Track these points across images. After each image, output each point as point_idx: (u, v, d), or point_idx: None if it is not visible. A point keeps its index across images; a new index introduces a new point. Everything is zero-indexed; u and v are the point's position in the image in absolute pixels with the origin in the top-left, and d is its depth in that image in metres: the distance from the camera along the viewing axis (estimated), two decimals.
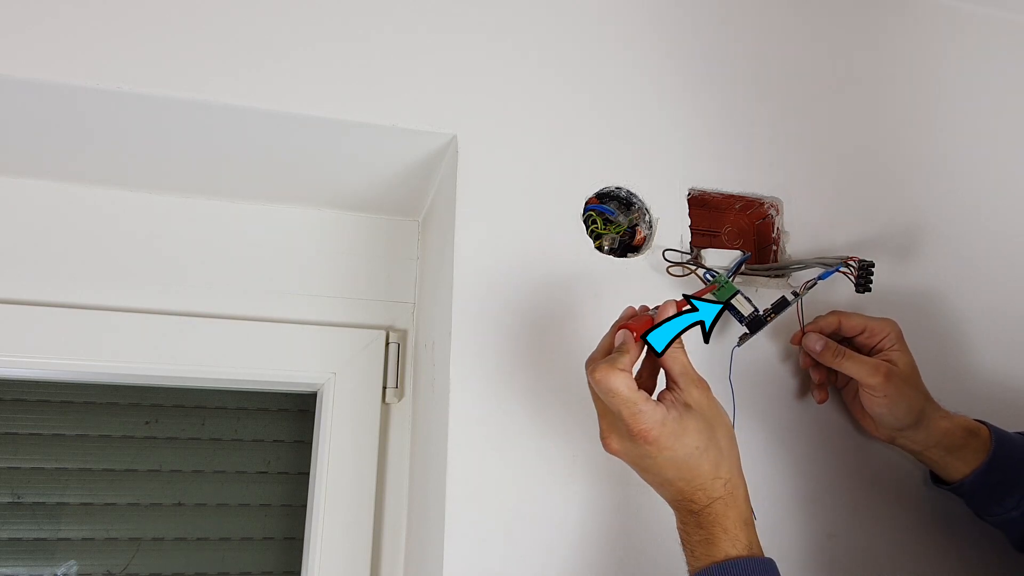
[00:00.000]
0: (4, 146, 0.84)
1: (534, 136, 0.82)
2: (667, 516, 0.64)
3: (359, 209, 1.00)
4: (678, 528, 0.62)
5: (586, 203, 0.82)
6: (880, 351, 0.76)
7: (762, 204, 0.88)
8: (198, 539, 0.92)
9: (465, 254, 0.77)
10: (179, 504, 0.92)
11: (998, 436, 0.74)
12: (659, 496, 0.63)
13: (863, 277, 0.78)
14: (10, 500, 0.88)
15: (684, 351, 0.63)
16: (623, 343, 0.62)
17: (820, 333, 0.77)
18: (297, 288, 0.96)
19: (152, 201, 0.94)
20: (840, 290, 0.83)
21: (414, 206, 0.99)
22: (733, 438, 0.63)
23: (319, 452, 0.90)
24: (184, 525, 0.91)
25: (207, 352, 0.89)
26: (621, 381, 0.58)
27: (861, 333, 0.77)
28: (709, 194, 0.86)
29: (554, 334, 0.77)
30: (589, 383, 0.62)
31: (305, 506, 0.91)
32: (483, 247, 0.77)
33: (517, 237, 0.79)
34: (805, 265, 0.82)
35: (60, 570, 0.87)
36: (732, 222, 0.88)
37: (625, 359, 0.60)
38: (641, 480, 0.62)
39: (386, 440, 0.93)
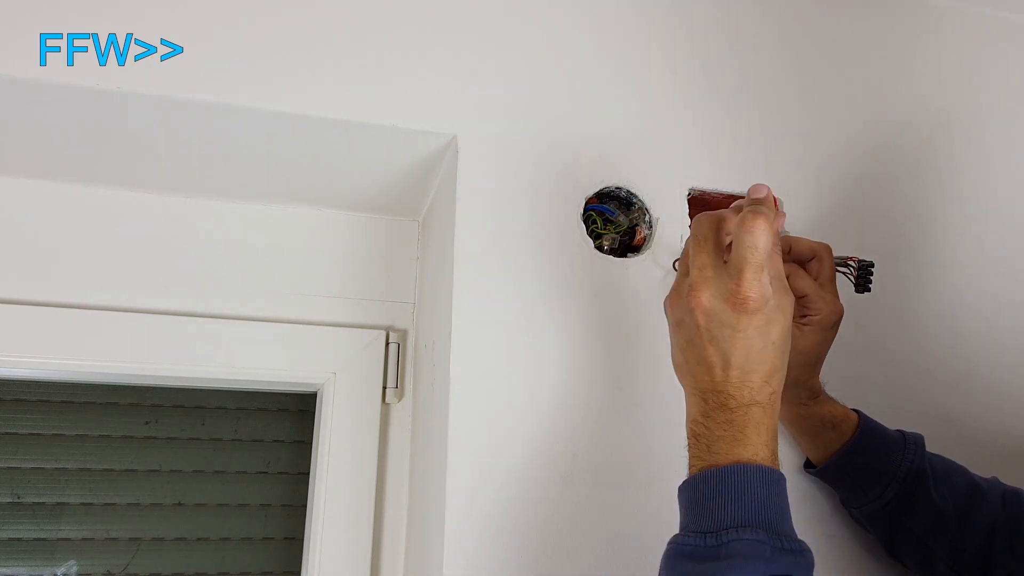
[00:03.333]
0: (4, 146, 0.84)
1: (534, 136, 0.82)
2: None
3: (359, 209, 1.00)
4: (695, 422, 0.58)
5: (586, 203, 0.82)
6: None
7: None
8: (198, 539, 0.91)
9: (465, 254, 0.77)
10: (179, 504, 0.92)
11: (867, 421, 0.75)
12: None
13: (863, 277, 0.78)
14: (10, 500, 0.88)
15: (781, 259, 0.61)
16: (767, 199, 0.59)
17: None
18: (297, 288, 0.96)
19: (151, 201, 0.94)
20: (839, 290, 0.83)
21: (414, 206, 0.99)
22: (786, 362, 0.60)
23: (319, 452, 0.90)
24: (184, 525, 0.91)
25: (207, 352, 0.89)
26: (768, 239, 0.55)
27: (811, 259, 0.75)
28: (709, 194, 0.86)
29: (554, 334, 0.77)
30: (708, 228, 0.59)
31: (305, 506, 0.91)
32: (483, 247, 0.77)
33: (517, 237, 0.79)
34: None
35: (60, 570, 0.87)
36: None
37: (773, 220, 0.56)
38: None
39: (386, 440, 0.93)
